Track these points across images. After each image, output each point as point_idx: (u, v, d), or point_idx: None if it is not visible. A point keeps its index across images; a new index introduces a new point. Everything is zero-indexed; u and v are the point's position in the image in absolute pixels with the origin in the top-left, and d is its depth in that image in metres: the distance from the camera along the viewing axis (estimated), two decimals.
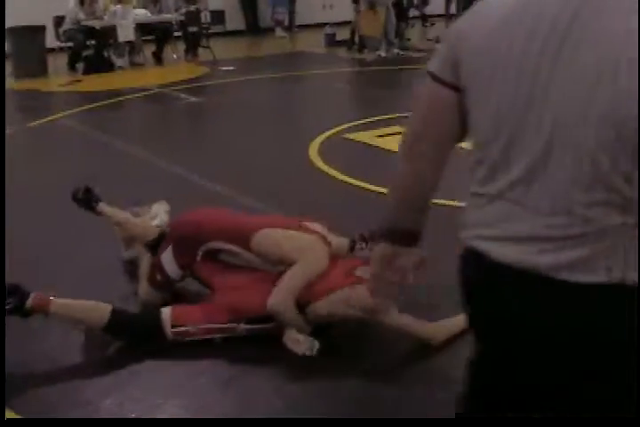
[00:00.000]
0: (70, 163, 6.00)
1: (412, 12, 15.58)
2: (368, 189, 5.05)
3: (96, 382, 2.91)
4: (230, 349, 3.07)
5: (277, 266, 3.19)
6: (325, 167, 5.64)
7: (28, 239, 4.23)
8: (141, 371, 2.98)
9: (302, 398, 2.78)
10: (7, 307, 2.91)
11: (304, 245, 3.17)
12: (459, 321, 2.93)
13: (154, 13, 11.35)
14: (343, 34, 12.79)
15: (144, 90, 9.18)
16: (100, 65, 10.57)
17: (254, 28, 14.84)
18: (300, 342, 3.01)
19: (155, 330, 3.05)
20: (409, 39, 13.09)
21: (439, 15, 16.69)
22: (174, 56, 11.61)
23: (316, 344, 3.01)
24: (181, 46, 11.87)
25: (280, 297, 3.02)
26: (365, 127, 6.92)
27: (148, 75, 10.66)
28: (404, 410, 2.68)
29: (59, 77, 10.18)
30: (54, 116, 7.69)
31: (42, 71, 10.19)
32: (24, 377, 2.90)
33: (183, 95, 8.85)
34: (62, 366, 3.03)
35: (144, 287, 3.47)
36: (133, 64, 11.13)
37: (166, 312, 3.08)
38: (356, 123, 7.10)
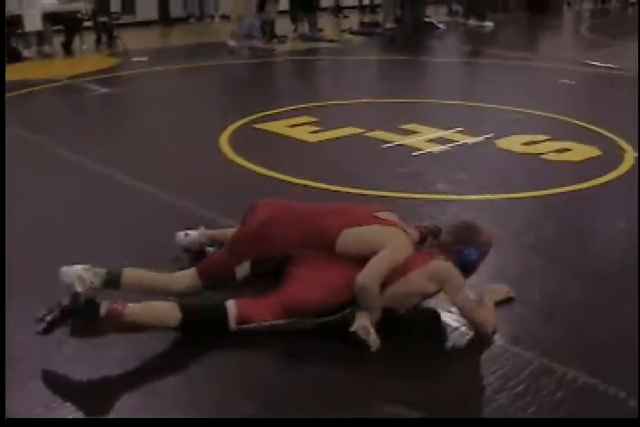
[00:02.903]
0: None
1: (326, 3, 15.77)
2: (279, 179, 5.14)
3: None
4: None
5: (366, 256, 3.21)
6: (236, 157, 5.69)
7: None
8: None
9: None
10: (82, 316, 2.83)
11: (390, 234, 3.26)
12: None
13: (63, 2, 11.13)
14: None
15: (53, 81, 9.00)
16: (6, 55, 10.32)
17: (166, 17, 14.67)
18: (369, 332, 3.00)
19: (222, 324, 3.03)
20: (321, 29, 13.21)
21: (353, 7, 16.93)
22: (84, 47, 11.42)
23: (378, 342, 3.01)
24: (91, 37, 11.68)
25: (370, 275, 3.09)
26: (275, 117, 6.99)
27: (58, 66, 10.45)
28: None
29: None
30: None
31: None
32: None
33: (94, 86, 8.74)
34: None
35: (186, 278, 3.34)
36: (42, 55, 10.89)
37: (232, 308, 3.04)
38: (267, 113, 7.17)
